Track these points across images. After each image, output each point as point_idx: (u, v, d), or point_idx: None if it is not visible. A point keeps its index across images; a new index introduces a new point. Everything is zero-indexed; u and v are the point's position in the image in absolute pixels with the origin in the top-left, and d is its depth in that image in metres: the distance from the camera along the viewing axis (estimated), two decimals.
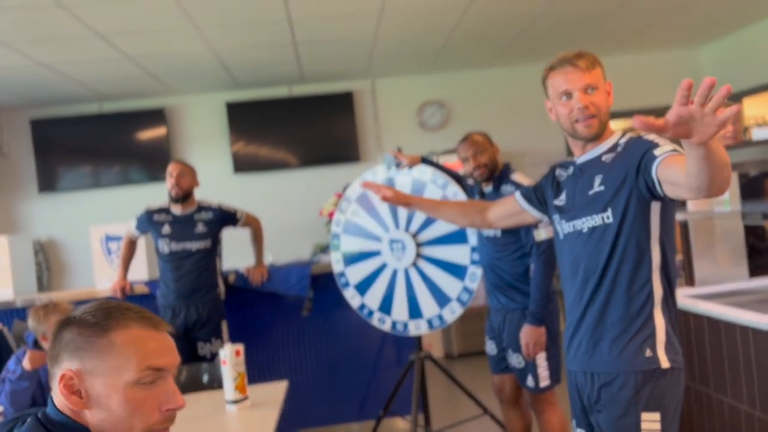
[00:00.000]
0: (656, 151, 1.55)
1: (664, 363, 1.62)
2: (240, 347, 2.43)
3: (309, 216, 5.67)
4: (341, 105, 5.76)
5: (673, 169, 1.46)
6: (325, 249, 4.69)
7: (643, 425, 1.59)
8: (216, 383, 2.71)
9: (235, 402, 2.38)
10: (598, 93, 1.69)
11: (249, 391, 2.47)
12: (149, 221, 3.51)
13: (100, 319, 1.07)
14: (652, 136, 1.64)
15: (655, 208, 1.64)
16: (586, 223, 1.70)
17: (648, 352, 1.62)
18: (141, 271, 3.93)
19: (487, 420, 3.58)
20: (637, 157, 1.59)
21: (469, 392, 3.49)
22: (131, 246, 3.66)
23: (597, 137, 1.71)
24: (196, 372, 2.78)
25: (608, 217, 1.65)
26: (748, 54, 5.40)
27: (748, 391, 2.32)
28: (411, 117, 5.94)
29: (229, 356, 2.39)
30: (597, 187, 1.68)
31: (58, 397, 1.06)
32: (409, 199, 2.23)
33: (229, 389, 2.39)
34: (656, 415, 1.60)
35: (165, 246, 3.43)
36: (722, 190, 1.35)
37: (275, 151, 5.76)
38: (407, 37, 4.65)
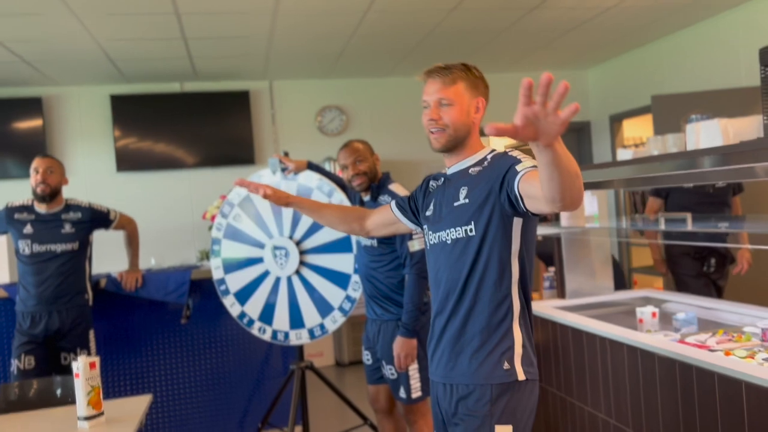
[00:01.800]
0: (518, 167, 1.57)
1: (521, 375, 1.65)
2: (95, 359, 2.25)
3: (198, 220, 5.47)
4: (237, 104, 5.59)
5: (532, 183, 1.49)
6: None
7: None
8: (71, 398, 2.51)
9: (88, 418, 2.21)
10: (454, 109, 1.70)
11: (109, 405, 2.31)
12: (9, 220, 3.22)
13: None
14: (516, 153, 1.67)
15: (517, 223, 1.67)
16: (450, 235, 1.71)
17: (506, 365, 1.65)
18: (1, 273, 3.60)
19: (367, 430, 3.56)
20: (501, 173, 1.61)
21: (349, 401, 3.45)
22: None
23: (446, 150, 1.74)
24: (47, 386, 2.56)
25: (471, 230, 1.67)
26: (629, 78, 5.76)
27: (605, 400, 2.42)
28: (310, 121, 5.87)
29: (83, 369, 2.21)
30: (462, 199, 1.70)
31: None
32: (289, 198, 2.09)
33: (81, 405, 2.21)
34: (509, 428, 1.62)
35: (26, 247, 3.17)
36: (575, 201, 1.37)
37: (164, 150, 5.50)
38: (305, 40, 4.59)
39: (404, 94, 5.99)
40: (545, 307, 2.90)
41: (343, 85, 5.93)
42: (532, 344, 1.72)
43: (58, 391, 2.55)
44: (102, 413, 2.25)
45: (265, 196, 2.05)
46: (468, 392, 1.66)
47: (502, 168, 1.62)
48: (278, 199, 2.07)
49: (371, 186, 2.72)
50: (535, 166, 1.54)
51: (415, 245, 2.54)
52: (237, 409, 3.85)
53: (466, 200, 1.68)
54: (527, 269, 1.71)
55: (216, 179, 5.55)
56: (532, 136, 1.20)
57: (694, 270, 3.85)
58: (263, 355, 3.90)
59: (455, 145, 1.73)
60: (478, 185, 1.67)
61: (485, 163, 1.72)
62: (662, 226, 2.38)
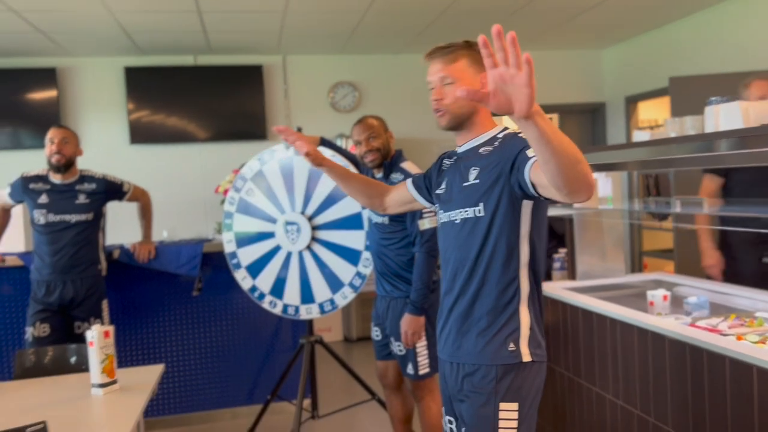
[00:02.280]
0: (529, 152, 1.54)
1: (526, 357, 1.65)
2: (110, 328, 2.29)
3: (210, 193, 5.49)
4: (250, 79, 5.57)
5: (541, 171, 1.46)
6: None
7: (501, 414, 1.62)
8: (85, 365, 2.56)
9: (102, 386, 2.25)
10: (455, 87, 1.68)
11: (121, 374, 2.34)
12: (24, 189, 3.25)
13: None
14: None
15: (527, 206, 1.66)
16: (459, 215, 1.70)
17: (511, 346, 1.65)
18: (17, 242, 3.65)
19: (375, 405, 3.60)
20: (512, 155, 1.59)
21: (357, 376, 3.49)
22: (4, 215, 3.39)
23: (452, 129, 1.74)
24: (63, 353, 2.61)
25: (480, 211, 1.66)
26: (646, 59, 5.68)
27: (614, 381, 2.43)
28: (322, 97, 5.85)
29: (97, 337, 2.24)
30: (472, 180, 1.68)
31: None
32: (324, 161, 2.04)
33: (95, 372, 2.25)
34: (514, 405, 1.63)
35: (41, 217, 3.20)
36: (581, 188, 1.30)
37: (177, 123, 5.50)
38: (319, 15, 4.55)
39: (418, 72, 5.93)
40: (555, 287, 2.90)
41: (356, 61, 5.89)
42: (541, 326, 1.72)
43: (73, 359, 2.60)
44: (115, 381, 2.29)
45: (306, 154, 2.01)
46: (473, 370, 1.67)
47: (513, 150, 1.59)
48: (314, 158, 2.03)
49: (384, 163, 2.71)
50: None
51: (425, 224, 2.54)
52: (246, 381, 3.90)
53: (477, 180, 1.67)
54: (537, 251, 1.70)
55: (228, 153, 5.56)
56: (505, 106, 1.16)
57: (752, 261, 3.17)
58: (273, 328, 3.94)
59: (461, 122, 1.72)
60: (488, 166, 1.66)
61: (496, 142, 1.70)
62: (677, 209, 2.36)
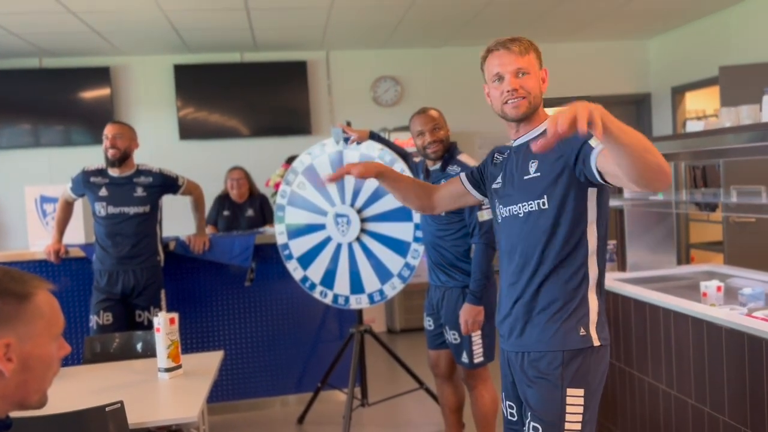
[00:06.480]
0: (592, 142, 1.58)
1: (596, 341, 1.69)
2: (174, 315, 2.40)
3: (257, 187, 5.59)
4: (294, 74, 5.67)
5: (611, 161, 1.50)
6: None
7: (568, 400, 1.66)
8: (150, 352, 2.68)
9: (168, 370, 2.36)
10: (530, 78, 1.72)
11: (184, 360, 2.45)
12: (86, 183, 3.39)
13: (18, 287, 1.07)
14: None
15: (592, 193, 1.69)
16: (522, 208, 1.73)
17: (582, 331, 1.68)
18: (77, 234, 3.81)
19: (422, 394, 3.66)
20: (575, 146, 1.62)
21: (407, 366, 3.55)
22: (67, 208, 3.53)
23: (525, 118, 1.74)
24: (129, 340, 2.73)
25: (544, 203, 1.68)
26: (692, 49, 5.57)
27: (667, 371, 2.43)
28: (365, 92, 5.91)
29: (163, 324, 2.36)
30: (533, 173, 1.71)
31: None
32: (383, 173, 1.98)
33: (162, 357, 2.36)
34: (580, 391, 1.66)
35: (102, 209, 3.33)
36: (657, 179, 1.39)
37: (224, 119, 5.64)
38: (364, 10, 4.60)
39: (459, 65, 5.95)
40: (606, 278, 2.90)
41: (398, 55, 5.93)
42: (605, 311, 1.76)
43: (139, 345, 2.72)
44: (180, 366, 2.40)
45: (360, 175, 1.96)
46: (540, 357, 1.70)
47: (576, 141, 1.61)
48: (367, 172, 1.98)
49: (443, 155, 2.72)
50: None
51: (484, 215, 2.56)
52: (295, 369, 3.99)
53: (537, 173, 1.70)
54: (603, 239, 1.73)
55: (273, 148, 5.65)
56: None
57: None
58: (319, 319, 4.02)
59: (533, 112, 1.74)
60: (548, 158, 1.68)
61: None
62: (733, 199, 2.34)
